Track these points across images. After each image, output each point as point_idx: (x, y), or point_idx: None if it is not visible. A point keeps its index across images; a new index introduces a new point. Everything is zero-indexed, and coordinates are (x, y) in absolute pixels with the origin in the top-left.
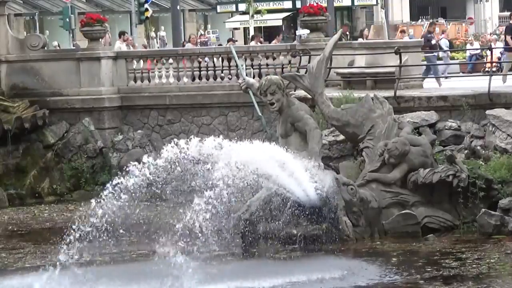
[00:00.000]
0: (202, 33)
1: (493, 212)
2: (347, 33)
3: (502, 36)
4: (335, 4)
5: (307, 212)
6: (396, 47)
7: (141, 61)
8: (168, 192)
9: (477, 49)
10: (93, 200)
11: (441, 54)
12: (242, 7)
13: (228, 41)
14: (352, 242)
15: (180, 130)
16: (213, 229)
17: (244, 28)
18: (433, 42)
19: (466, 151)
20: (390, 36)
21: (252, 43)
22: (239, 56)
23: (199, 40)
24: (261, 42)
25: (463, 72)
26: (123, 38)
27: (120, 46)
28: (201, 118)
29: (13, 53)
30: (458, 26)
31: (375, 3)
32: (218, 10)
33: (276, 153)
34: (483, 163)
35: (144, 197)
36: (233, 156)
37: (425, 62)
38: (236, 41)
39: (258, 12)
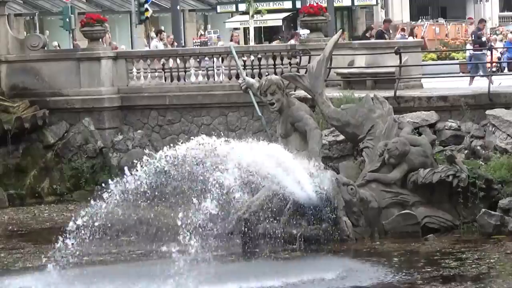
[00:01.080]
0: (202, 33)
1: (493, 212)
2: (390, 30)
3: (501, 36)
4: (335, 4)
5: (307, 212)
6: (396, 47)
7: (141, 61)
8: (168, 192)
9: (477, 49)
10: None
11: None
12: (242, 7)
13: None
14: (352, 242)
15: (180, 130)
16: (214, 229)
17: (244, 28)
18: (483, 39)
19: (466, 151)
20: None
21: (292, 42)
22: (239, 56)
23: (199, 40)
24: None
25: (463, 72)
26: (160, 36)
27: (156, 44)
28: (201, 118)
29: (13, 53)
30: (458, 26)
31: (375, 3)
32: (218, 10)
33: (276, 152)
34: (483, 163)
35: (144, 197)
36: (233, 156)
37: (424, 63)
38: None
39: (258, 12)
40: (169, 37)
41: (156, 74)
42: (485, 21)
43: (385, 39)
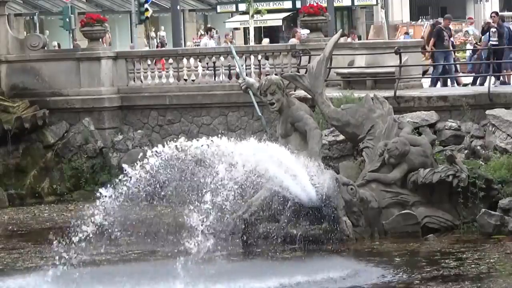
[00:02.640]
0: (202, 33)
1: (493, 212)
2: (450, 26)
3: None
4: (335, 4)
5: (307, 212)
6: (396, 47)
7: (141, 61)
8: (169, 191)
9: (477, 49)
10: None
11: None
12: (242, 7)
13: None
14: (352, 242)
15: (180, 130)
16: (214, 229)
17: (244, 28)
18: None
19: (466, 151)
20: (390, 36)
21: (349, 40)
22: (240, 56)
23: (199, 40)
24: (353, 39)
25: (463, 72)
26: (210, 34)
27: (206, 42)
28: (201, 118)
29: (13, 53)
30: (458, 26)
31: (375, 3)
32: (218, 10)
33: (276, 152)
34: (483, 163)
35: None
36: (234, 156)
37: (424, 62)
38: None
39: (258, 12)
40: (228, 35)
41: (156, 74)
42: None
43: (444, 36)
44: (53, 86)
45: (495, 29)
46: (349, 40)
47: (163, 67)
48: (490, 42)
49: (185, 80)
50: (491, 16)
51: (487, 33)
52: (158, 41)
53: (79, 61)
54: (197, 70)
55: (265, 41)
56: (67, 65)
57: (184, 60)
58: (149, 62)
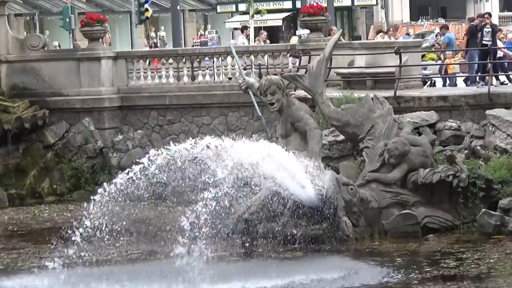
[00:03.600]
0: (202, 33)
1: (493, 212)
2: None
3: (500, 35)
4: (335, 4)
5: (307, 212)
6: (396, 47)
7: (141, 61)
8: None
9: (477, 49)
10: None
11: None
12: (242, 7)
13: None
14: (352, 242)
15: (180, 130)
16: (214, 229)
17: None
18: None
19: (466, 151)
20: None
21: (379, 38)
22: (239, 56)
23: (199, 40)
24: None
25: (463, 72)
26: (245, 33)
27: (243, 41)
28: (201, 118)
29: (13, 53)
30: (458, 26)
31: (375, 3)
32: (218, 10)
33: (276, 153)
34: (483, 163)
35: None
36: (234, 156)
37: (424, 62)
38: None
39: (258, 12)
40: (262, 34)
41: (156, 74)
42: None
43: (477, 36)
44: (53, 86)
45: (489, 29)
46: (386, 38)
47: (156, 66)
48: (483, 42)
49: (230, 78)
50: (484, 16)
51: (480, 32)
52: (151, 42)
53: (79, 61)
54: (226, 69)
55: (294, 39)
56: (67, 65)
57: (189, 60)
58: (149, 62)
